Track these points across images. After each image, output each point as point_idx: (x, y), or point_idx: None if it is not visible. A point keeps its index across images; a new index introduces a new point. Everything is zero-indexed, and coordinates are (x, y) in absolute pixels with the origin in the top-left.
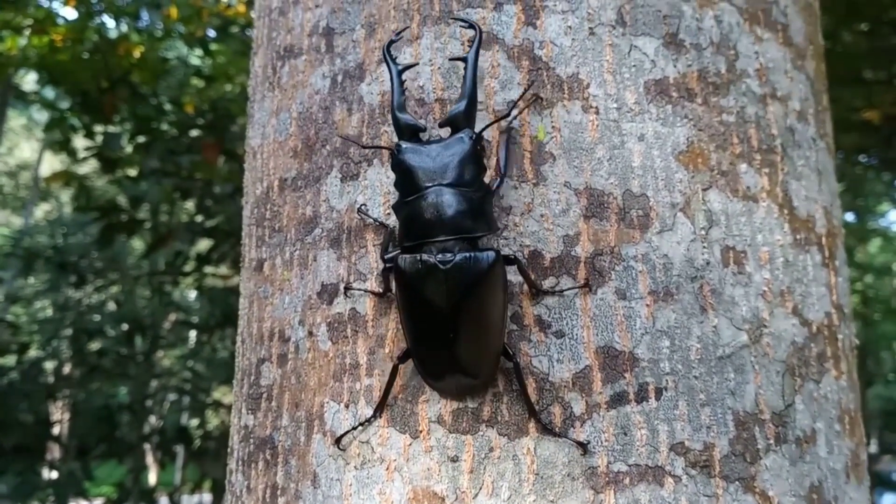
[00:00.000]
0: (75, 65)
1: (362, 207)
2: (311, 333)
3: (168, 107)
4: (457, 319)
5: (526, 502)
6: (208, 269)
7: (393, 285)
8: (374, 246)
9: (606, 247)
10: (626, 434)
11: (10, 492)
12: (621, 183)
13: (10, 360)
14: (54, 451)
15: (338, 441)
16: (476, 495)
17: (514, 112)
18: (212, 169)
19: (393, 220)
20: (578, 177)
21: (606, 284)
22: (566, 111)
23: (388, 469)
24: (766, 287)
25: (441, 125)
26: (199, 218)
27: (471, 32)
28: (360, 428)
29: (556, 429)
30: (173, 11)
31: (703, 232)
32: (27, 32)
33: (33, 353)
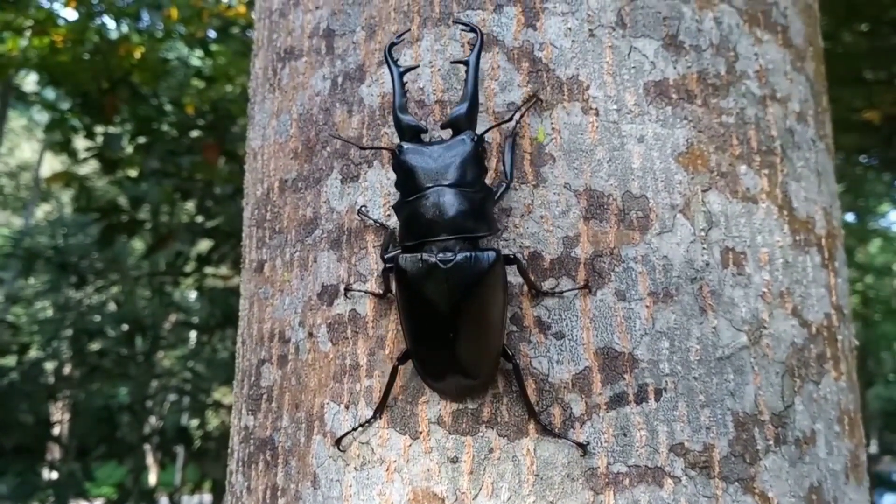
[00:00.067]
0: (76, 66)
1: (362, 209)
2: (311, 334)
3: (168, 108)
4: (457, 319)
5: (526, 503)
6: (209, 270)
7: (393, 286)
8: (374, 247)
9: (606, 248)
10: (625, 435)
11: (10, 492)
12: (621, 184)
13: (11, 360)
14: (54, 452)
15: (338, 442)
16: (476, 496)
17: (517, 116)
18: (212, 170)
19: (393, 222)
20: (578, 178)
21: (606, 286)
22: (566, 113)
23: (387, 470)
24: (765, 288)
25: (443, 127)
26: (199, 218)
27: (471, 35)
28: (360, 429)
29: (556, 430)
30: (174, 12)
31: (702, 233)
32: (28, 33)
33: (34, 353)
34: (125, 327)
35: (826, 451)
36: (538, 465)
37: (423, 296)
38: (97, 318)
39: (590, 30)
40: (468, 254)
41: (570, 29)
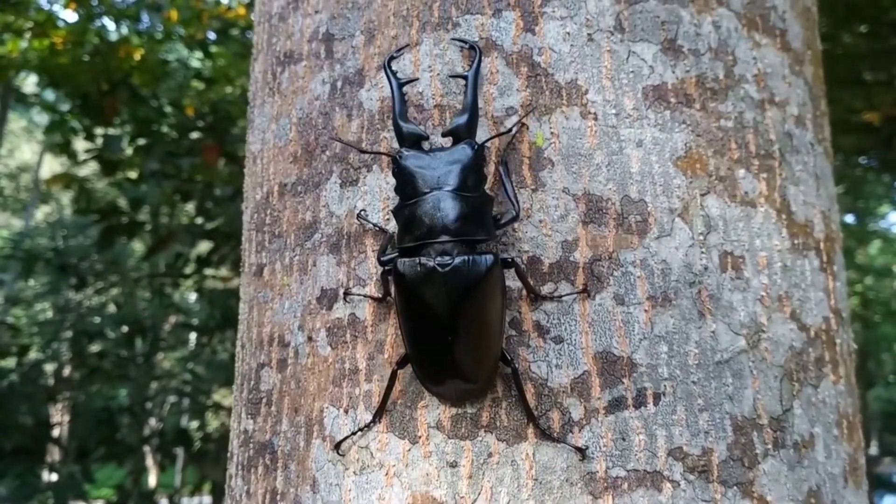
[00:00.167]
0: (76, 67)
1: (362, 213)
2: (310, 338)
3: (168, 109)
4: (455, 323)
5: None
6: (208, 272)
7: (392, 289)
8: (373, 251)
9: (605, 252)
10: (624, 439)
11: (10, 494)
12: (620, 188)
13: (11, 362)
14: (54, 454)
15: (337, 446)
16: (475, 501)
17: (514, 118)
18: (212, 171)
19: (392, 226)
20: (577, 182)
21: (605, 290)
22: (565, 117)
23: (387, 474)
24: (764, 292)
25: (443, 135)
26: (199, 220)
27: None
28: (359, 433)
29: (555, 434)
30: (173, 14)
31: (701, 237)
32: (28, 35)
33: (33, 355)
34: (125, 329)
35: (825, 454)
36: (537, 469)
37: (422, 299)
38: (97, 319)
39: (588, 34)
40: (466, 257)
41: (568, 33)
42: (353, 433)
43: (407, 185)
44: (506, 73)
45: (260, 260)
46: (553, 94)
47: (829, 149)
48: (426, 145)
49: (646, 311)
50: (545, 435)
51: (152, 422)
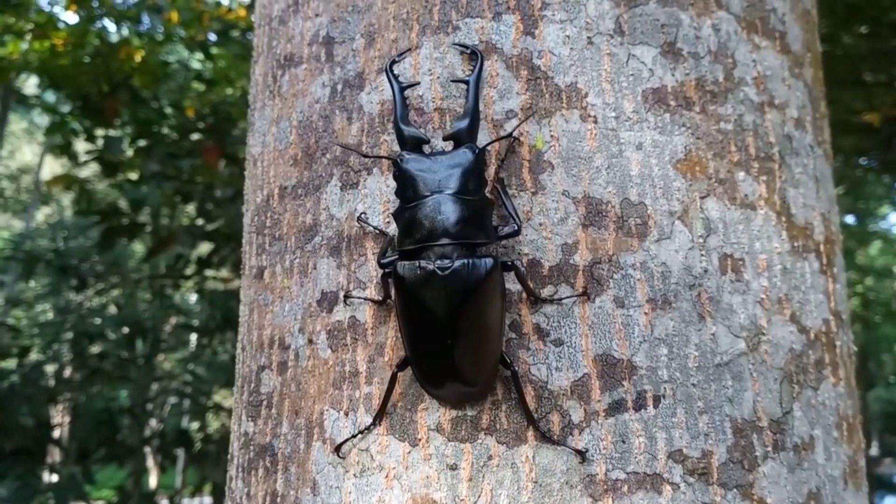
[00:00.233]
0: (76, 69)
1: (362, 216)
2: (310, 341)
3: (169, 110)
4: (455, 326)
5: None
6: (209, 273)
7: (392, 292)
8: (373, 254)
9: (605, 255)
10: (624, 442)
11: (10, 495)
12: (619, 191)
13: (11, 363)
14: (55, 455)
15: (337, 449)
16: (475, 503)
17: (514, 121)
18: (212, 172)
19: (392, 229)
20: (577, 185)
21: (605, 293)
22: (564, 120)
23: (387, 477)
24: (763, 294)
25: (444, 139)
26: (199, 221)
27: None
28: (359, 436)
29: (555, 437)
30: (174, 15)
31: (700, 240)
32: (28, 37)
33: (34, 356)
34: (125, 330)
35: (825, 457)
36: (537, 472)
37: (422, 302)
38: (97, 320)
39: (588, 37)
40: (466, 260)
41: (568, 37)
42: (354, 436)
43: (407, 189)
44: (506, 77)
45: (260, 262)
46: (553, 98)
47: (829, 151)
48: (427, 149)
49: (646, 313)
50: (545, 437)
51: (153, 423)
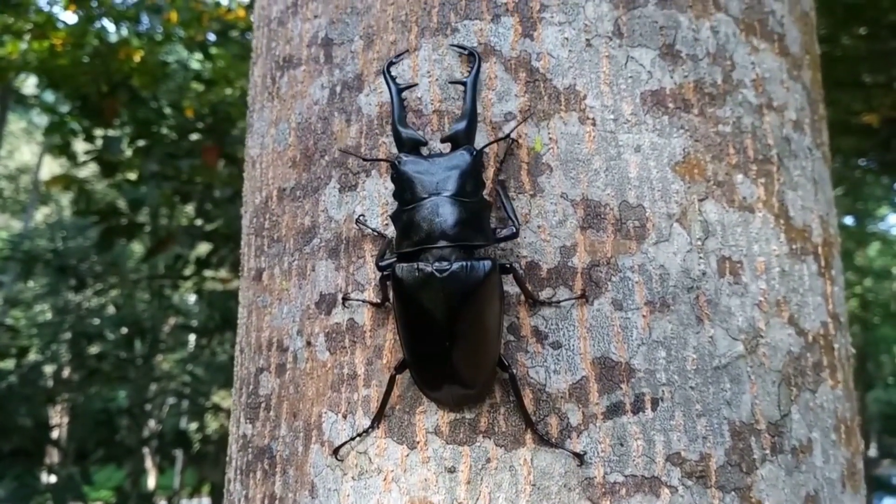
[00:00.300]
0: (75, 69)
1: (360, 218)
2: (309, 343)
3: (168, 111)
4: (453, 328)
5: None
6: (208, 273)
7: (390, 294)
8: (371, 256)
9: (603, 257)
10: (622, 445)
11: (8, 496)
12: (618, 194)
13: (10, 363)
14: (53, 455)
15: (336, 451)
16: None
17: (512, 124)
18: (211, 172)
19: (391, 231)
20: (575, 188)
21: (603, 295)
22: (563, 123)
23: (385, 480)
24: (762, 297)
25: (442, 141)
26: (198, 221)
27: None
28: (357, 438)
29: (553, 440)
30: (173, 15)
31: (699, 242)
32: (28, 37)
33: (32, 356)
34: (124, 330)
35: (823, 459)
36: (535, 474)
37: (420, 304)
38: (96, 321)
39: (587, 39)
40: (464, 262)
41: (567, 39)
42: (352, 438)
43: (405, 191)
44: (504, 79)
45: (259, 264)
46: (551, 100)
47: (828, 153)
48: (425, 151)
49: (644, 316)
50: (543, 440)
51: (151, 423)
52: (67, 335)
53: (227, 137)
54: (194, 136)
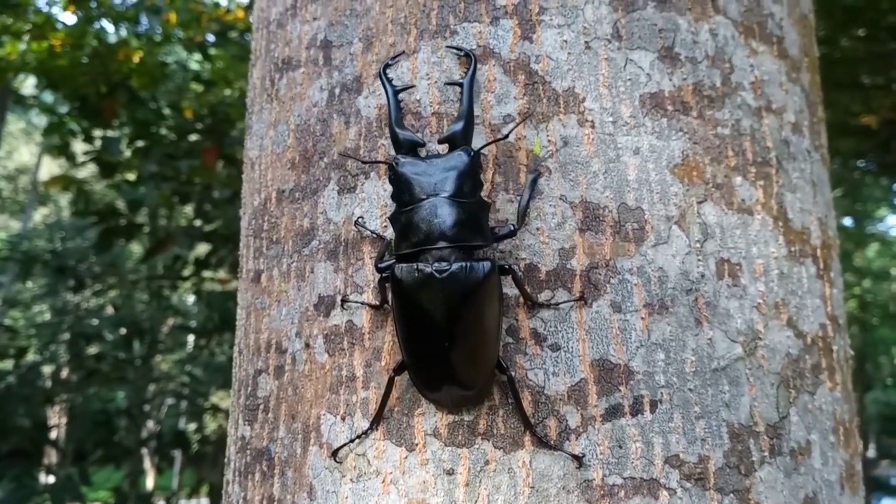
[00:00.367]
0: (74, 69)
1: (359, 220)
2: (307, 345)
3: (167, 111)
4: (452, 329)
5: None
6: (207, 274)
7: (389, 296)
8: (370, 258)
9: (602, 260)
10: (621, 447)
11: (7, 496)
12: (617, 196)
13: (8, 364)
14: (51, 456)
15: (334, 453)
16: None
17: (510, 126)
18: (210, 173)
19: (390, 233)
20: (574, 190)
21: (602, 297)
22: (562, 125)
23: (384, 482)
24: (760, 299)
25: (440, 142)
26: (197, 222)
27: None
28: (356, 440)
29: (552, 442)
30: (172, 16)
31: (698, 245)
32: (27, 37)
33: (31, 357)
34: (123, 331)
35: (821, 461)
36: (534, 477)
37: (419, 305)
38: (95, 321)
39: (586, 42)
40: (464, 263)
41: (566, 41)
42: (351, 440)
43: (403, 192)
44: (503, 81)
45: (257, 266)
46: (550, 102)
47: (826, 155)
48: (422, 152)
49: (643, 318)
50: (542, 443)
51: (150, 424)
52: (66, 336)
53: (226, 138)
54: (193, 137)
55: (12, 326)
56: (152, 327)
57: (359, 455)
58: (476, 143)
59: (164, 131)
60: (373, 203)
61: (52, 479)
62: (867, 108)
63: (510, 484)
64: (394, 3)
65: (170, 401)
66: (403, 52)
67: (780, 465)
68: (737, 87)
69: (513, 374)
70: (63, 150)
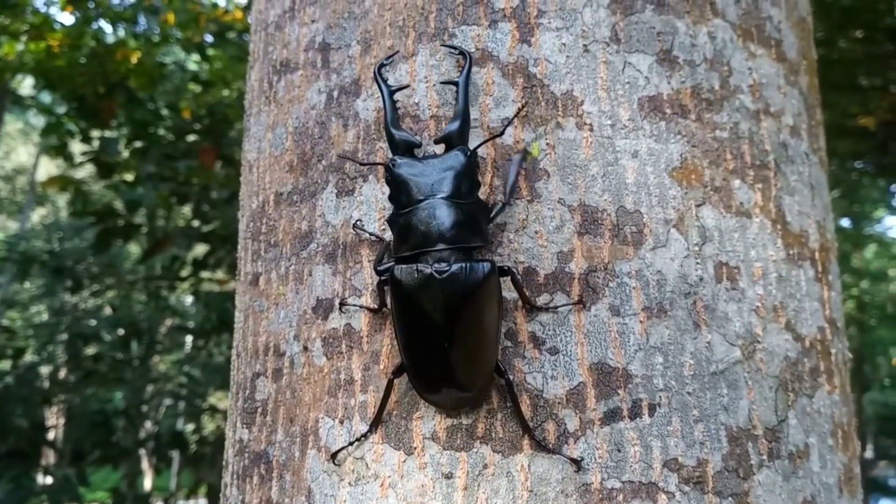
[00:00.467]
0: (72, 70)
1: (357, 223)
2: (306, 348)
3: (165, 112)
4: (452, 330)
5: None
6: (204, 274)
7: (388, 299)
8: (368, 261)
9: (600, 263)
10: (619, 450)
11: (5, 497)
12: (615, 199)
13: (6, 364)
14: (49, 457)
15: (333, 457)
16: None
17: (510, 129)
18: (208, 174)
19: (388, 236)
20: (572, 193)
21: (600, 301)
22: (560, 128)
23: (382, 485)
24: (759, 302)
25: (436, 142)
26: (195, 223)
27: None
28: (354, 444)
29: (550, 445)
30: (170, 17)
31: (696, 248)
32: (24, 38)
33: (29, 357)
34: (121, 332)
35: (820, 464)
36: (532, 480)
37: (419, 306)
38: (93, 322)
39: (584, 45)
40: (464, 264)
41: (564, 44)
42: (349, 444)
43: (401, 194)
44: (502, 84)
45: (256, 269)
46: (549, 105)
47: (825, 158)
48: (419, 152)
49: (641, 322)
50: (540, 446)
51: (148, 425)
52: (64, 336)
53: (224, 139)
54: (191, 138)
55: (10, 327)
56: (150, 328)
57: (357, 458)
58: (473, 145)
59: (162, 132)
60: (371, 206)
61: (49, 480)
62: (865, 110)
63: (509, 488)
64: (392, 5)
65: (168, 401)
66: (398, 51)
67: (778, 468)
68: (735, 90)
69: (511, 377)
70: (61, 151)
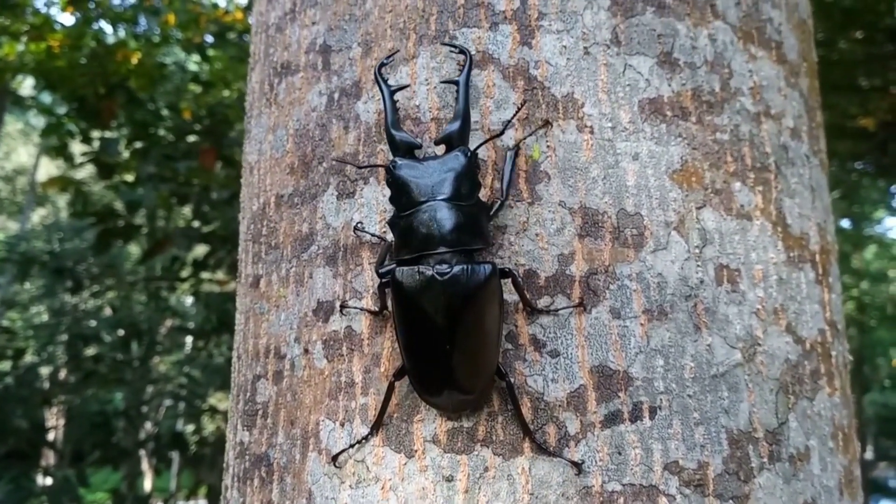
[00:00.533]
0: (73, 70)
1: (358, 225)
2: (306, 351)
3: (165, 112)
4: (453, 332)
5: None
6: (205, 275)
7: (389, 302)
8: (369, 264)
9: (601, 266)
10: (620, 453)
11: (4, 498)
12: (616, 202)
13: (6, 365)
14: (49, 457)
15: (333, 459)
16: None
17: (511, 132)
18: (209, 174)
19: (390, 238)
20: (573, 196)
21: (601, 303)
22: (561, 131)
23: (383, 488)
24: (759, 305)
25: (436, 143)
26: (195, 223)
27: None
28: (355, 446)
29: (551, 448)
30: (171, 17)
31: (697, 250)
32: (25, 38)
33: (29, 358)
34: (121, 332)
35: (820, 467)
36: (533, 483)
37: (420, 308)
38: (93, 322)
39: (585, 48)
40: (465, 266)
41: (565, 47)
42: (350, 446)
43: (402, 195)
44: (502, 87)
45: (256, 271)
46: (549, 108)
47: (825, 160)
48: (419, 153)
49: (642, 324)
50: (541, 449)
51: (148, 426)
52: (64, 337)
53: (224, 139)
54: (191, 138)
55: (10, 328)
56: (150, 328)
57: (358, 461)
58: (473, 146)
59: (162, 132)
60: (372, 208)
61: (49, 481)
62: (864, 110)
63: (509, 490)
64: (393, 8)
65: (168, 402)
66: (398, 51)
67: (779, 471)
68: (736, 92)
69: (512, 380)
70: (61, 151)
